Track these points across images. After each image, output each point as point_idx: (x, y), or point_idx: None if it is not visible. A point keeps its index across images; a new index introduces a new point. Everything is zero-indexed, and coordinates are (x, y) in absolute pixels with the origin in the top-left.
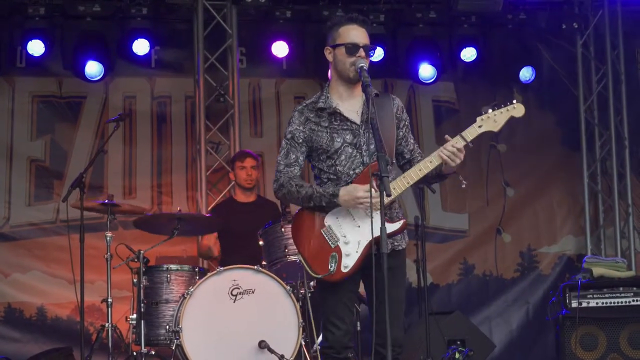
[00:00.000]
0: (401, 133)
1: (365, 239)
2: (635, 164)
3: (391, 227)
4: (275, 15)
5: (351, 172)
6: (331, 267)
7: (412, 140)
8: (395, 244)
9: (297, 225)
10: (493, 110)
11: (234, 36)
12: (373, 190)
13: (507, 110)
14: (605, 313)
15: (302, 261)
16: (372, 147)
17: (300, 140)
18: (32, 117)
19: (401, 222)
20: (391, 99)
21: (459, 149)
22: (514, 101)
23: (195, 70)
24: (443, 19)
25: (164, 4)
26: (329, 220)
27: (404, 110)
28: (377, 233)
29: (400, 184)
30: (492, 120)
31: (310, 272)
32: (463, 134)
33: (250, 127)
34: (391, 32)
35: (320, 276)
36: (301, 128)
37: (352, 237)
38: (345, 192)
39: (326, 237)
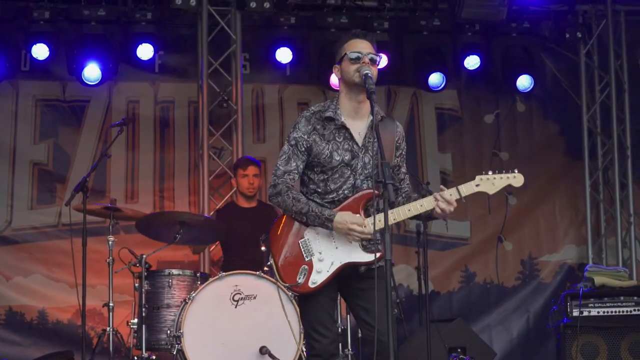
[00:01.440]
0: (395, 161)
1: (339, 261)
2: (637, 173)
3: (367, 257)
4: (280, 21)
5: (340, 192)
6: (299, 279)
7: (403, 170)
8: (372, 266)
9: (276, 229)
10: (493, 173)
11: (238, 42)
12: (365, 225)
13: (507, 177)
14: (607, 322)
15: (273, 267)
16: (366, 171)
17: (303, 149)
18: (36, 120)
19: (377, 254)
20: (395, 126)
21: (451, 202)
22: (515, 170)
23: (198, 75)
24: (447, 27)
25: (168, 9)
26: (308, 234)
27: (404, 140)
28: (352, 259)
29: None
30: (491, 182)
31: (278, 278)
32: (459, 188)
33: (253, 133)
34: (395, 40)
35: (286, 285)
36: (305, 137)
37: (327, 256)
38: (340, 218)
39: (302, 249)
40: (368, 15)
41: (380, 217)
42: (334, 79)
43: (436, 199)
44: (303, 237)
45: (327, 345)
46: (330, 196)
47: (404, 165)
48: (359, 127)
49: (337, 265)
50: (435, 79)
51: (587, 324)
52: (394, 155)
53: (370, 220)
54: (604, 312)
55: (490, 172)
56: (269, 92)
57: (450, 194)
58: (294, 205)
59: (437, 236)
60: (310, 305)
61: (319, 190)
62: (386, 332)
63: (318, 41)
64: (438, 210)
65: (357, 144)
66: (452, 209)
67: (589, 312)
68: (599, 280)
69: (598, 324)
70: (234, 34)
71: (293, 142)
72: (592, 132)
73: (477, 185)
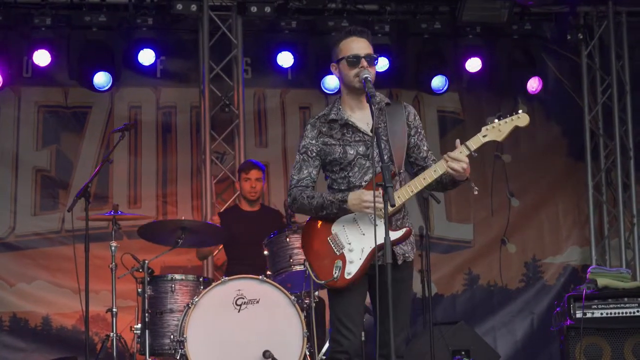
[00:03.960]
0: (412, 141)
1: (369, 246)
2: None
3: (394, 235)
4: (281, 26)
5: (363, 183)
6: (335, 274)
7: (425, 148)
8: (406, 255)
9: (306, 233)
10: (499, 120)
11: (239, 46)
12: (377, 196)
13: (512, 120)
14: (610, 323)
15: (308, 267)
16: (385, 157)
17: (314, 154)
18: (38, 126)
19: (404, 229)
20: (403, 107)
21: (461, 159)
22: (520, 111)
23: (200, 80)
24: (448, 30)
25: (169, 14)
26: (335, 228)
27: (417, 117)
28: (380, 240)
29: (404, 193)
30: (497, 130)
31: (314, 278)
32: (467, 143)
33: (255, 137)
34: (396, 43)
35: (323, 282)
36: (314, 142)
37: (356, 245)
38: (353, 196)
39: (332, 245)
40: (369, 19)
41: (399, 193)
42: (328, 84)
43: (446, 160)
44: (331, 234)
45: (356, 343)
46: (357, 190)
47: (424, 142)
48: (365, 118)
49: (367, 250)
50: (438, 82)
51: (590, 325)
52: (409, 135)
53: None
54: (607, 313)
55: (495, 120)
56: (270, 97)
57: (460, 151)
58: (310, 202)
59: (440, 239)
60: (342, 300)
61: (343, 187)
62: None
63: (319, 45)
64: (450, 171)
65: (367, 134)
66: (464, 165)
67: (593, 313)
68: (602, 281)
69: (601, 326)
70: (235, 39)
71: (303, 150)
72: (594, 133)
73: (484, 136)
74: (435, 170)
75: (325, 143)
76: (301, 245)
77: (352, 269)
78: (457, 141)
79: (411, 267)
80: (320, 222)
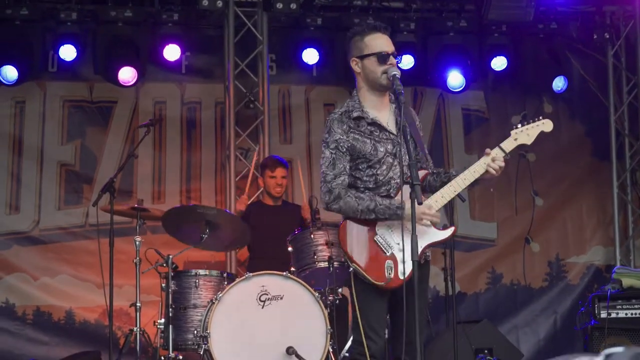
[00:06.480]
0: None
1: (420, 245)
2: None
3: (443, 234)
4: (306, 22)
5: (391, 182)
6: (389, 274)
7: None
8: (428, 253)
9: (347, 234)
10: (524, 125)
11: (265, 43)
12: (434, 201)
13: (537, 125)
14: (634, 324)
15: (359, 271)
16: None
17: (344, 150)
18: (63, 121)
19: (451, 228)
20: (410, 109)
21: (501, 160)
22: (541, 117)
23: (225, 76)
24: (474, 28)
25: (195, 10)
26: (380, 229)
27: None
28: (429, 240)
29: (448, 192)
30: (525, 134)
31: (370, 280)
32: (502, 145)
33: (279, 134)
34: (422, 41)
35: (381, 284)
36: (344, 137)
37: (406, 244)
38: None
39: (380, 245)
40: (395, 16)
41: (442, 192)
42: None
43: (490, 159)
44: (376, 234)
45: (382, 347)
46: (384, 188)
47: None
48: (385, 118)
49: (418, 250)
50: (455, 80)
51: (614, 325)
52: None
53: (433, 201)
54: (631, 313)
55: (519, 125)
56: (295, 93)
57: (496, 153)
58: (359, 203)
59: (463, 237)
60: (376, 304)
61: (370, 186)
62: (414, 335)
63: (344, 42)
64: (492, 171)
65: (392, 132)
66: (502, 165)
67: (617, 313)
68: (626, 282)
69: (626, 326)
70: (260, 35)
71: (333, 146)
72: (619, 133)
73: (515, 140)
74: (475, 171)
75: (355, 139)
76: (342, 246)
77: (406, 268)
78: (487, 149)
79: (429, 265)
80: (360, 223)
